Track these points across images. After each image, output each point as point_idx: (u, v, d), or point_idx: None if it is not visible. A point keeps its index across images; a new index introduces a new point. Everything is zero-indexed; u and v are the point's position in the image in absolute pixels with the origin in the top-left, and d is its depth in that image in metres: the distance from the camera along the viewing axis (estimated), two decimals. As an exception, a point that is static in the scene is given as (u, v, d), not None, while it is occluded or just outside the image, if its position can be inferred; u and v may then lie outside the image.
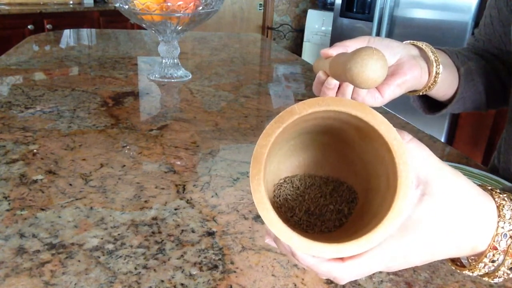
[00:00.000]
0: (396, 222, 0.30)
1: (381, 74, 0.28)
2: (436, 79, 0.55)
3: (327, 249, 0.30)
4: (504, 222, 0.31)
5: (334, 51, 0.47)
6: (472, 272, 0.33)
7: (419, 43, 0.56)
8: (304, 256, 0.32)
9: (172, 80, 1.12)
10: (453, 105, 0.63)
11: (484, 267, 0.32)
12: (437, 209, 0.30)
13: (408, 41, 0.57)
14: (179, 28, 1.05)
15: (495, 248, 0.31)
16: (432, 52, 0.55)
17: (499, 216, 0.31)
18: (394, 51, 0.52)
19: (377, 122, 0.30)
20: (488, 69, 0.65)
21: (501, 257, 0.31)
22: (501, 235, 0.31)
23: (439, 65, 0.54)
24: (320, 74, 0.47)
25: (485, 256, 0.31)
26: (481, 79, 0.64)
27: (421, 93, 0.58)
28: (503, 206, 0.31)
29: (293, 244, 0.30)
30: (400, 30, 2.42)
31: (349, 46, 0.49)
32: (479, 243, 0.31)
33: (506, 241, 0.31)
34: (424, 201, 0.30)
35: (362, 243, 0.30)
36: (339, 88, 0.47)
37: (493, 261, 0.31)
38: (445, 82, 0.58)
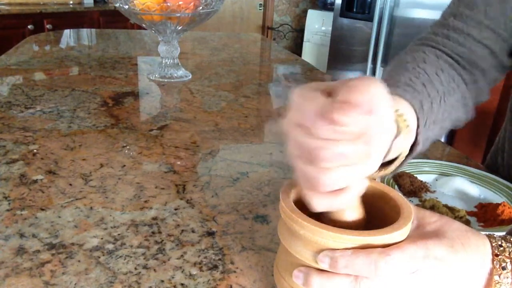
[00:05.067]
0: (410, 219, 0.33)
1: None
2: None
3: (360, 237, 0.31)
4: (495, 239, 0.34)
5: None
6: None
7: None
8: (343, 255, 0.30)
9: (172, 80, 1.12)
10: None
11: (500, 277, 0.32)
12: (434, 229, 0.34)
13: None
14: (179, 28, 1.05)
15: (497, 255, 0.32)
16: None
17: (488, 236, 0.34)
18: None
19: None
20: (461, 103, 0.53)
21: (508, 263, 0.32)
22: (497, 247, 0.33)
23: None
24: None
25: (494, 268, 0.32)
26: (450, 123, 0.52)
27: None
28: (493, 238, 0.34)
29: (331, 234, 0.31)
30: (400, 30, 2.41)
31: None
32: (481, 259, 0.33)
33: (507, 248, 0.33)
34: (420, 227, 0.34)
35: (388, 229, 0.31)
36: None
37: (503, 268, 0.32)
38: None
